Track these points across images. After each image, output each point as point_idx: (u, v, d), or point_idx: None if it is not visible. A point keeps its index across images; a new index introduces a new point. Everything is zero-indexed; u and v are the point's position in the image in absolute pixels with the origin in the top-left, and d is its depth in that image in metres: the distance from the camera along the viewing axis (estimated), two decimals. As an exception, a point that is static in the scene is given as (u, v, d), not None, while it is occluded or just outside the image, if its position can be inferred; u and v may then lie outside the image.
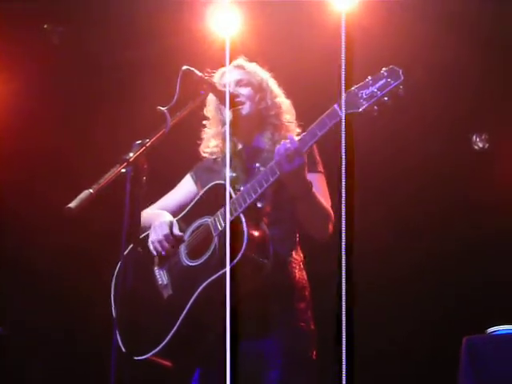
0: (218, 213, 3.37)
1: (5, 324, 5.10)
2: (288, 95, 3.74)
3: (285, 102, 3.69)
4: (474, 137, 5.52)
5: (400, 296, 5.35)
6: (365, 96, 3.14)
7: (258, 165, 3.47)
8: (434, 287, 5.40)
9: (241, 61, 3.73)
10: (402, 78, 3.12)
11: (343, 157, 3.01)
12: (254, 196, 3.29)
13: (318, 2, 5.05)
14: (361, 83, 3.18)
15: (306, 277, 3.51)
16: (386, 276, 5.36)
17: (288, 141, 3.24)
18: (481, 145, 5.51)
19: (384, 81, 3.13)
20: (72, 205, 2.82)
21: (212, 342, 3.28)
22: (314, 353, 3.43)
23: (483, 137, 5.51)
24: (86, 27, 5.40)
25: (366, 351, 4.82)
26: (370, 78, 3.18)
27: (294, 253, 3.51)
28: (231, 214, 3.29)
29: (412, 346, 5.35)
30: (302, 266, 3.52)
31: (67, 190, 3.03)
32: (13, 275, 5.61)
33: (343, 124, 3.17)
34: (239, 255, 3.19)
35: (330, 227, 3.45)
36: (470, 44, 5.12)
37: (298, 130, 3.64)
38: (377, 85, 3.13)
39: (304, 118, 3.72)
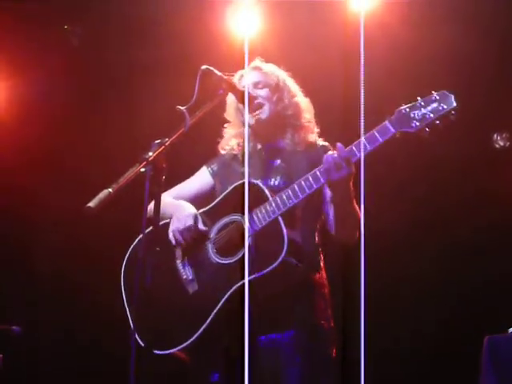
0: (252, 213, 3.37)
1: (20, 323, 5.12)
2: (306, 95, 3.74)
3: (303, 101, 3.70)
4: (495, 135, 5.49)
5: (407, 297, 5.33)
6: (417, 117, 3.20)
7: (278, 161, 3.49)
8: (444, 288, 5.36)
9: (257, 62, 3.74)
10: (455, 104, 3.18)
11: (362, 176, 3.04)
12: (294, 201, 3.31)
13: (336, 2, 5.05)
14: (411, 104, 3.24)
15: (325, 275, 3.52)
16: (394, 276, 5.34)
17: (336, 151, 3.26)
18: (502, 143, 5.48)
19: (436, 104, 3.19)
20: (92, 204, 2.83)
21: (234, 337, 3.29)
22: (334, 350, 3.43)
23: (504, 135, 5.48)
24: (106, 28, 5.42)
25: (373, 351, 4.82)
26: (419, 99, 3.24)
27: (316, 253, 3.52)
28: (268, 216, 3.33)
29: (419, 347, 5.33)
30: (321, 265, 3.52)
31: (86, 189, 3.04)
32: (24, 275, 5.65)
33: (362, 127, 3.19)
34: (279, 259, 3.23)
35: (357, 233, 3.47)
36: (491, 40, 5.10)
37: (317, 130, 3.66)
38: (429, 107, 3.20)
39: (323, 117, 3.72)
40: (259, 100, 3.58)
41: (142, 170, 2.93)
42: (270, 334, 3.35)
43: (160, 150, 3.00)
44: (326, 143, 3.60)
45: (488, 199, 5.26)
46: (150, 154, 2.97)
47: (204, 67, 3.29)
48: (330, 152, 3.30)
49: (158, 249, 3.28)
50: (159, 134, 3.11)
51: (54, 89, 5.54)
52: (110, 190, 2.86)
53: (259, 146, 3.66)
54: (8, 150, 5.55)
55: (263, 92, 3.61)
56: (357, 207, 3.42)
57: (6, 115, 5.64)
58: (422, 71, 4.88)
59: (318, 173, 3.29)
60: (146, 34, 5.33)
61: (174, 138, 3.09)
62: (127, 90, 5.48)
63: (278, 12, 5.11)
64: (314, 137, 3.64)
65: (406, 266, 5.35)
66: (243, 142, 3.66)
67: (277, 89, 3.64)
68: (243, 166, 3.51)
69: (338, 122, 3.49)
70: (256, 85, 3.63)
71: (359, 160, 3.26)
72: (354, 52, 3.17)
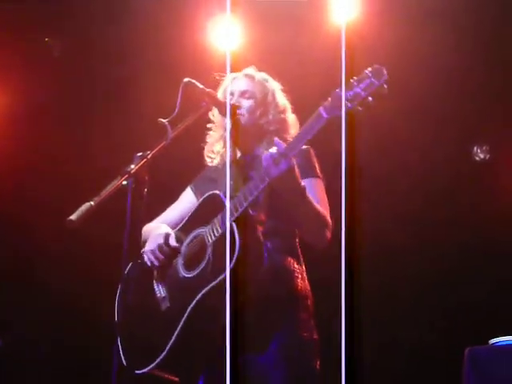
0: (211, 223, 3.36)
1: (5, 335, 5.09)
2: (294, 111, 3.69)
3: (289, 117, 3.65)
4: (475, 148, 5.53)
5: (402, 304, 5.38)
6: (349, 97, 3.08)
7: (252, 173, 3.48)
8: (436, 296, 5.42)
9: (251, 70, 3.69)
10: (386, 75, 3.07)
11: (343, 156, 2.99)
12: (244, 204, 3.25)
13: (318, 15, 5.08)
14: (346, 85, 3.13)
15: (308, 286, 3.47)
16: (389, 283, 5.40)
17: (274, 147, 3.21)
18: (482, 156, 5.53)
19: (368, 81, 3.07)
20: (73, 217, 2.83)
21: (212, 351, 3.28)
22: (318, 363, 3.39)
23: (484, 148, 5.53)
24: (87, 40, 5.43)
25: (369, 357, 4.85)
26: (354, 78, 3.12)
27: (295, 262, 3.47)
28: (224, 224, 3.27)
29: (415, 356, 5.38)
30: (304, 276, 3.48)
31: (67, 201, 3.04)
32: (13, 286, 5.63)
33: (343, 124, 3.14)
34: (231, 263, 3.16)
35: (328, 234, 3.41)
36: (471, 55, 5.14)
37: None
38: (361, 85, 3.08)
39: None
40: (241, 110, 3.53)
41: (124, 182, 2.94)
42: (253, 349, 3.32)
43: (142, 162, 3.01)
44: (306, 146, 3.48)
45: (488, 203, 5.32)
46: (132, 166, 2.98)
47: (186, 80, 3.29)
48: (270, 150, 3.22)
49: (139, 261, 3.30)
50: (141, 146, 3.11)
51: (34, 100, 5.54)
52: (92, 202, 2.86)
53: (239, 154, 3.63)
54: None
55: (247, 103, 3.57)
56: (318, 206, 3.36)
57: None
58: (403, 82, 4.92)
59: (262, 172, 3.23)
60: (127, 47, 5.34)
61: (155, 150, 3.09)
62: (108, 102, 5.48)
63: (260, 25, 5.14)
64: None
65: (404, 268, 5.41)
66: (224, 150, 3.64)
67: (263, 102, 3.59)
68: (223, 177, 3.50)
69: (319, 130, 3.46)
70: (243, 94, 3.59)
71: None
72: (335, 64, 3.17)
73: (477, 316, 5.22)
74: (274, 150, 3.19)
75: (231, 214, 3.26)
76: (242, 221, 3.27)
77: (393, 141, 5.27)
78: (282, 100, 3.67)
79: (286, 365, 3.31)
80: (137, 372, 3.32)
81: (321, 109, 3.16)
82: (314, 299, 3.47)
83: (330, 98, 3.14)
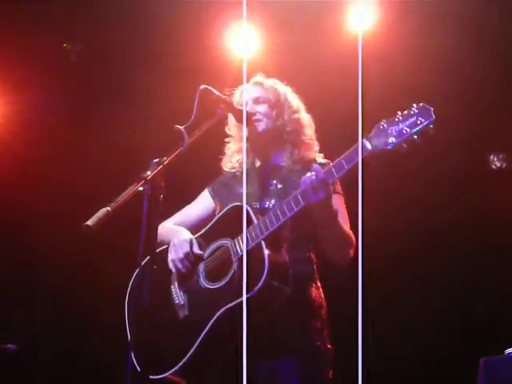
0: (239, 237, 3.33)
1: (17, 340, 5.12)
2: (308, 111, 3.71)
3: (304, 117, 3.67)
4: (492, 156, 5.53)
5: (416, 314, 5.37)
6: (394, 133, 3.07)
7: (275, 182, 3.46)
8: (452, 306, 5.40)
9: (259, 77, 3.72)
10: (434, 117, 3.04)
11: (360, 183, 2.99)
12: (276, 224, 3.25)
13: (335, 22, 5.09)
14: (390, 119, 3.11)
15: (322, 296, 3.48)
16: (400, 293, 5.38)
17: (314, 172, 3.20)
18: (498, 164, 5.52)
19: (414, 119, 3.05)
20: (90, 222, 2.82)
21: (227, 362, 3.27)
22: (331, 372, 3.39)
23: (500, 156, 5.52)
24: (104, 46, 5.45)
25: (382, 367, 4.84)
26: (399, 114, 3.11)
27: (311, 273, 3.49)
28: (252, 240, 3.26)
29: (429, 366, 5.36)
30: (318, 285, 3.49)
31: (82, 206, 3.05)
32: (26, 292, 5.66)
33: (360, 148, 3.14)
34: (260, 282, 3.16)
35: (351, 252, 3.42)
36: (489, 63, 5.13)
37: (317, 148, 3.64)
38: (406, 122, 3.06)
39: (321, 134, 3.72)
40: (257, 116, 3.55)
41: (140, 188, 2.93)
42: (266, 362, 3.31)
43: (158, 169, 3.00)
44: (327, 160, 3.53)
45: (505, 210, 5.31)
46: (148, 173, 2.97)
47: (203, 87, 3.29)
48: (308, 174, 3.22)
49: (155, 267, 3.29)
50: (158, 152, 3.11)
51: (51, 105, 5.57)
52: (109, 208, 2.86)
53: (258, 163, 3.64)
54: (7, 166, 5.57)
55: (262, 108, 3.59)
56: (345, 227, 3.39)
57: (4, 131, 5.67)
58: (419, 89, 4.92)
59: (298, 195, 3.23)
60: (144, 53, 5.36)
61: (172, 157, 3.08)
62: (125, 107, 5.50)
63: (276, 32, 5.15)
64: (314, 154, 3.61)
65: (419, 277, 5.41)
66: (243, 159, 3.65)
67: (276, 104, 3.61)
68: (241, 184, 3.50)
69: (336, 138, 3.47)
70: (256, 100, 3.61)
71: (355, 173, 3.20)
72: (351, 69, 3.17)
73: (492, 325, 5.20)
74: (312, 174, 3.18)
75: (261, 232, 3.26)
76: (270, 239, 3.26)
77: (407, 150, 5.26)
78: (295, 101, 3.69)
79: (299, 374, 3.30)
80: (151, 377, 3.32)
81: (364, 141, 3.13)
82: (328, 309, 3.48)
83: (373, 130, 3.13)
